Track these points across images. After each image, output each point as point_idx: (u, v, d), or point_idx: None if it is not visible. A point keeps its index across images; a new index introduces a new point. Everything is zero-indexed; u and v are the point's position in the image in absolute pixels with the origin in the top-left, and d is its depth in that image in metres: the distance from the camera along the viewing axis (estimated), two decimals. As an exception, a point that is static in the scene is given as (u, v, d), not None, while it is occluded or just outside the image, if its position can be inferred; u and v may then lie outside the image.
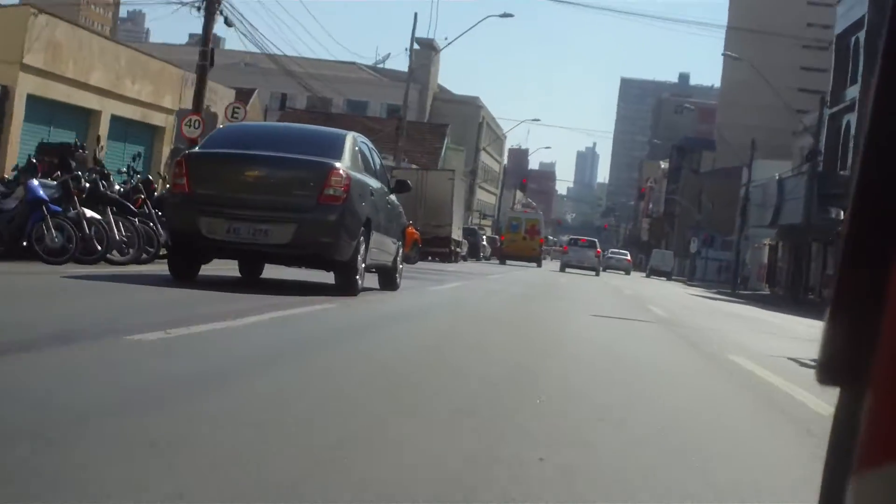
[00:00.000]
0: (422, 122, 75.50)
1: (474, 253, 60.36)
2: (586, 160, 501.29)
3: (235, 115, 28.39)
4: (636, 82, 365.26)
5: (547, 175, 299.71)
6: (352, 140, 13.45)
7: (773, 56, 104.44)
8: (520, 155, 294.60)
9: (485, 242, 67.96)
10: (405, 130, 47.32)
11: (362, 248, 12.79)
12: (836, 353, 0.85)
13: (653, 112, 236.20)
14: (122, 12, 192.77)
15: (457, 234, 46.81)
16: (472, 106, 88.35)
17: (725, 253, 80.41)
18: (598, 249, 61.86)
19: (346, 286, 12.78)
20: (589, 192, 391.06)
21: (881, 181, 0.82)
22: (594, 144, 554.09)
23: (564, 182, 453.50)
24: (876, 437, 0.76)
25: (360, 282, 12.97)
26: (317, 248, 12.22)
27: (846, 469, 0.80)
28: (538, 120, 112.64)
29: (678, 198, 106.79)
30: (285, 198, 12.18)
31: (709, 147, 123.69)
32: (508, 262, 63.48)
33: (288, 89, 68.82)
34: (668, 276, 73.36)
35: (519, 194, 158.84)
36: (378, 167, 14.88)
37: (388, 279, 15.57)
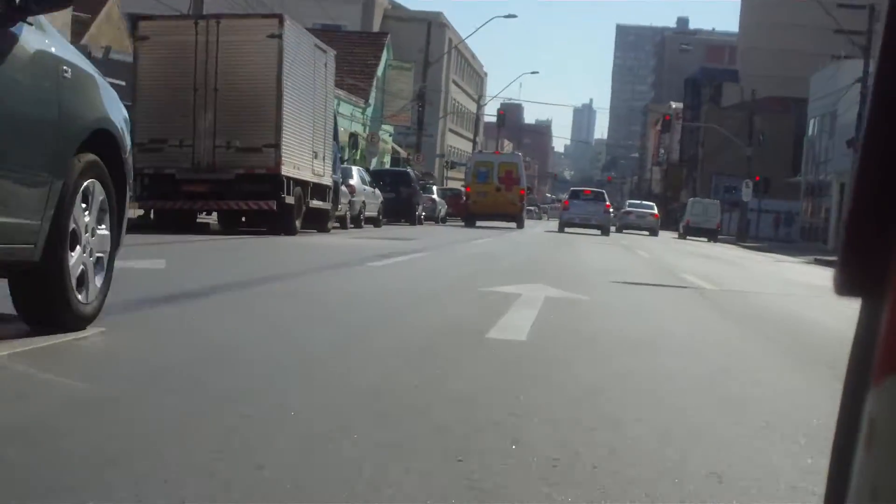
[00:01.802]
0: (355, 31, 55.30)
1: (407, 215, 40.03)
2: (583, 116, 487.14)
3: None
4: (632, 29, 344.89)
5: (542, 130, 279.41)
6: None
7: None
8: (512, 109, 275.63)
9: (436, 196, 47.94)
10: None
11: None
12: (855, 262, 0.85)
13: (655, 54, 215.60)
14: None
15: (311, 169, 23.56)
16: (435, 26, 67.71)
17: (783, 202, 60.61)
18: (608, 203, 46.04)
19: None
20: (587, 150, 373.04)
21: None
22: (591, 101, 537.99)
23: (561, 140, 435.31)
24: (894, 345, 0.79)
25: None
26: None
27: (867, 380, 0.81)
28: (537, 72, 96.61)
29: (702, 136, 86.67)
30: None
31: (730, 77, 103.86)
32: (479, 222, 43.92)
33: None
34: (713, 235, 51.33)
35: (508, 145, 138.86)
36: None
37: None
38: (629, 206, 52.98)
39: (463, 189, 48.12)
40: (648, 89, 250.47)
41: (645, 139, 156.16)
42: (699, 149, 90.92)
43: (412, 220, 41.02)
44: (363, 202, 31.85)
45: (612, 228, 47.18)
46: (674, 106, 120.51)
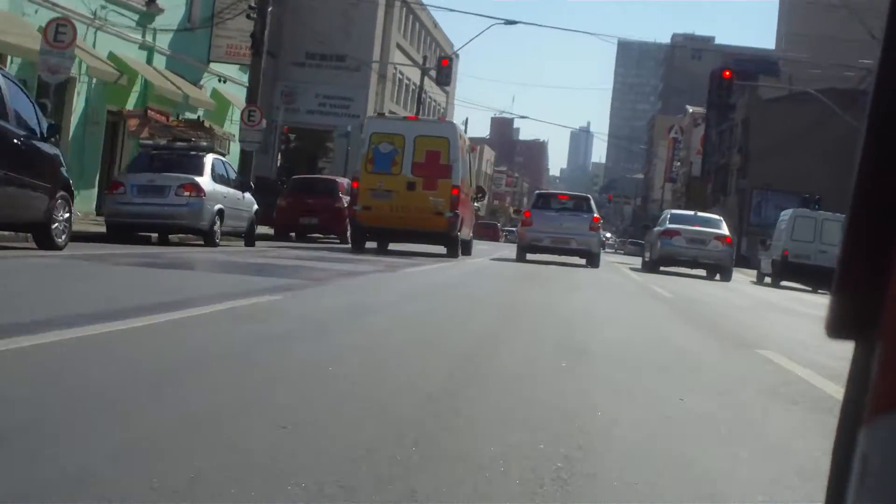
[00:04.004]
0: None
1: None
2: (580, 140, 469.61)
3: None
4: (635, 44, 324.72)
5: (536, 147, 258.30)
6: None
7: None
8: (504, 124, 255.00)
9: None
10: None
11: None
12: (846, 305, 0.85)
13: (664, 60, 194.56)
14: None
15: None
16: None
17: None
18: (596, 215, 27.05)
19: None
20: (583, 174, 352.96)
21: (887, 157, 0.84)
22: (588, 124, 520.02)
23: (557, 164, 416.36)
24: (887, 384, 0.79)
25: None
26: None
27: (860, 420, 0.83)
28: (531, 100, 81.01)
29: (735, 140, 64.99)
30: None
31: (768, 71, 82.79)
32: (375, 244, 22.96)
33: None
34: (821, 280, 26.75)
35: (489, 151, 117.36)
36: None
37: None
38: (674, 221, 27.98)
39: (348, 183, 26.37)
40: (651, 107, 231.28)
41: (651, 154, 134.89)
42: (732, 158, 69.39)
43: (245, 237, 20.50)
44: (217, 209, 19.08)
45: (630, 260, 25.52)
46: (691, 111, 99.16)
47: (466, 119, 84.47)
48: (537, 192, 29.61)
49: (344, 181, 27.91)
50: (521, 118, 64.93)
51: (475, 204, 28.56)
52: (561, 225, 25.87)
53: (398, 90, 56.41)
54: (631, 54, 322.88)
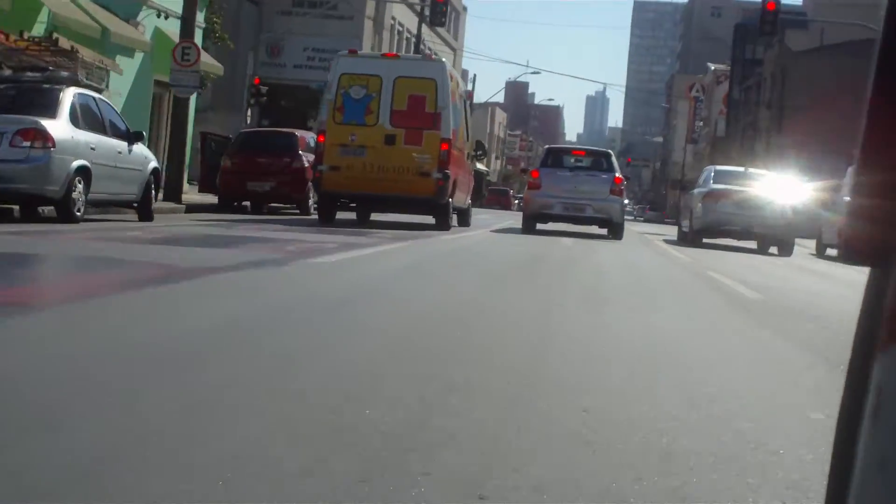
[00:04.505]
0: None
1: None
2: (596, 105, 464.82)
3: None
4: (651, 5, 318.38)
5: (552, 112, 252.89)
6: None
7: None
8: (519, 88, 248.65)
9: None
10: None
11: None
12: (862, 232, 0.85)
13: (683, 21, 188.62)
14: None
15: None
16: None
17: None
18: (618, 176, 22.00)
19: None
20: (600, 139, 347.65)
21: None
22: (604, 88, 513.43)
23: (573, 129, 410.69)
24: None
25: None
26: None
27: (873, 349, 0.81)
28: (538, 72, 75.39)
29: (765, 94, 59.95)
30: None
31: (796, 24, 77.52)
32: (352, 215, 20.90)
33: None
34: None
35: (501, 114, 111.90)
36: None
37: None
38: (718, 179, 22.23)
39: (313, 138, 21.52)
40: (668, 69, 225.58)
41: (671, 115, 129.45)
42: (759, 115, 64.37)
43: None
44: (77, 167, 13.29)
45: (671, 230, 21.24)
46: (713, 68, 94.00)
47: (475, 76, 79.24)
48: (547, 146, 24.68)
49: (308, 135, 22.65)
50: (535, 73, 61.83)
51: (476, 164, 23.92)
52: (576, 188, 21.16)
53: (397, 42, 51.40)
54: (646, 15, 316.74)
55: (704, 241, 22.12)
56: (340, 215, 21.84)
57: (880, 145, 0.81)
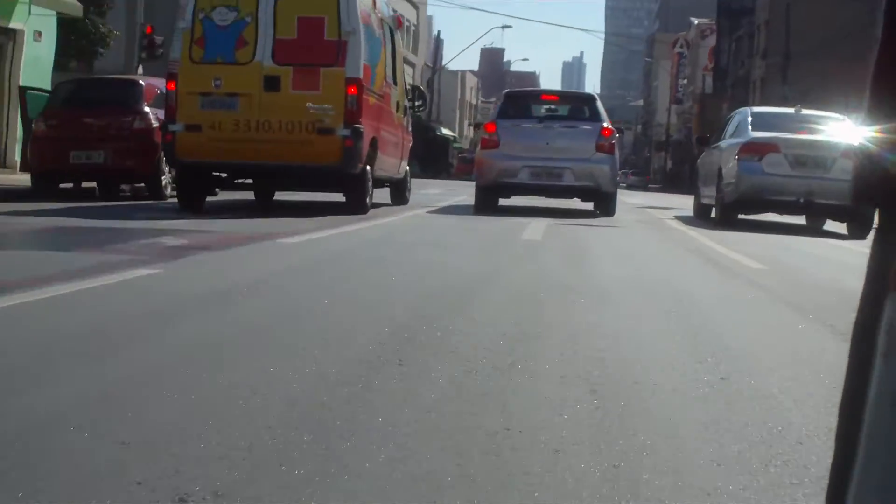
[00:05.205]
0: None
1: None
2: (573, 71, 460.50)
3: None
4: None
5: (528, 79, 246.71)
6: None
7: None
8: (494, 55, 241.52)
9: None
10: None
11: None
12: (872, 172, 0.84)
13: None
14: None
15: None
16: None
17: None
18: (607, 126, 14.90)
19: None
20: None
21: None
22: (581, 54, 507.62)
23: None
24: None
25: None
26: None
27: (885, 289, 0.80)
28: (509, 26, 68.70)
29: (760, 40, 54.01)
30: None
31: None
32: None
33: None
34: None
35: (472, 79, 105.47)
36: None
37: None
38: (759, 125, 15.02)
39: (164, 85, 15.19)
40: (645, 31, 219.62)
41: (651, 77, 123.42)
42: (754, 66, 58.40)
43: None
44: None
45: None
46: (696, 22, 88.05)
47: (439, 32, 72.91)
48: (506, 90, 18.07)
49: (157, 83, 16.23)
50: (506, 28, 56.21)
51: (411, 118, 17.91)
52: (548, 144, 15.17)
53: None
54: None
55: (740, 217, 15.40)
56: (228, 195, 15.94)
57: (890, 90, 0.79)
